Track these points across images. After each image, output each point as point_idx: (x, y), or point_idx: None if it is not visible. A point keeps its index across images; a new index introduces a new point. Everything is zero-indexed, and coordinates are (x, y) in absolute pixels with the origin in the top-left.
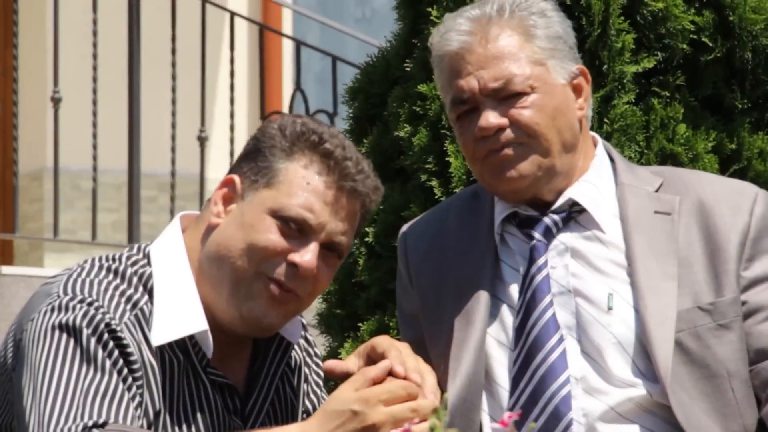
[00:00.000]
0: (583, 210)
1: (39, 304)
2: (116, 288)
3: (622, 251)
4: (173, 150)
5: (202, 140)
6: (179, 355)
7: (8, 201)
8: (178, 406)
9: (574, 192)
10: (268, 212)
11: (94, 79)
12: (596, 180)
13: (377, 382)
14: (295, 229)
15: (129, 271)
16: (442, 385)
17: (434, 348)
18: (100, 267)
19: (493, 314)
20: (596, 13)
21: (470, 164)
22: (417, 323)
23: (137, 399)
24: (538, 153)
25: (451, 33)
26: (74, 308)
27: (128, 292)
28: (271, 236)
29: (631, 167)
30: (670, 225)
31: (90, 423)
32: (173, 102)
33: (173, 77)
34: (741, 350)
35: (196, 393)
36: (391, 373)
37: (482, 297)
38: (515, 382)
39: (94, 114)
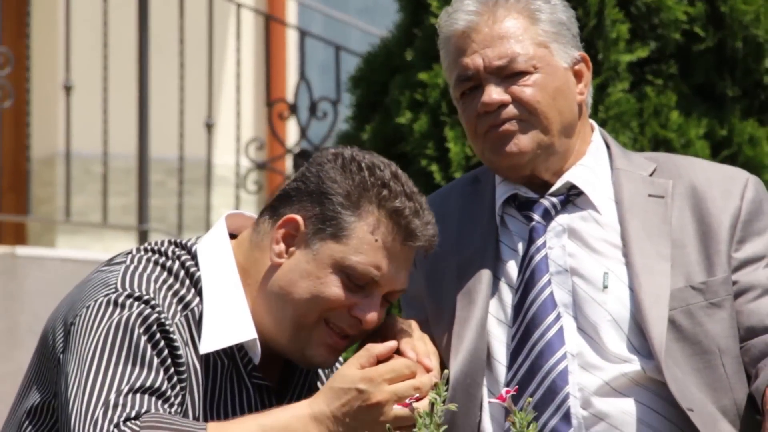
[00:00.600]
0: (580, 193)
1: (96, 292)
2: (170, 287)
3: (617, 232)
4: (181, 136)
5: (210, 126)
6: (224, 359)
7: (22, 185)
8: (218, 409)
9: (571, 175)
10: (335, 266)
11: (105, 68)
12: (593, 164)
13: (381, 359)
14: (360, 283)
15: (181, 270)
16: (445, 363)
17: (437, 327)
18: (155, 263)
19: (493, 293)
20: (592, 4)
21: (472, 141)
22: (420, 304)
23: (180, 398)
24: (538, 129)
25: (459, 13)
26: (131, 306)
27: (181, 292)
28: (336, 290)
29: (626, 153)
30: (664, 208)
31: (132, 414)
32: (181, 89)
33: (181, 66)
34: (732, 328)
35: (238, 396)
36: (397, 351)
37: (484, 277)
38: (513, 357)
39: (105, 101)
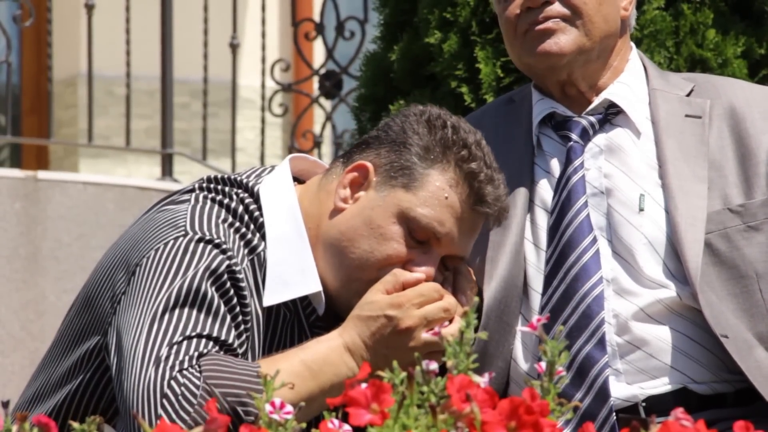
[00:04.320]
0: (618, 111)
1: (163, 233)
2: (237, 230)
3: (654, 153)
4: (205, 57)
5: (234, 47)
6: (286, 309)
7: (43, 107)
8: None
9: (610, 92)
10: (399, 216)
11: None
12: (631, 82)
13: (408, 286)
14: (421, 238)
15: (245, 214)
16: (480, 290)
17: (472, 254)
18: (220, 204)
19: (529, 217)
20: None
21: (509, 45)
22: None
23: (243, 347)
24: (581, 31)
25: None
26: (202, 251)
27: (248, 236)
28: (396, 245)
29: (662, 74)
30: (701, 128)
31: (195, 356)
32: (205, 8)
33: None
34: None
35: (298, 345)
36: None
37: (519, 200)
38: (548, 281)
39: (128, 20)
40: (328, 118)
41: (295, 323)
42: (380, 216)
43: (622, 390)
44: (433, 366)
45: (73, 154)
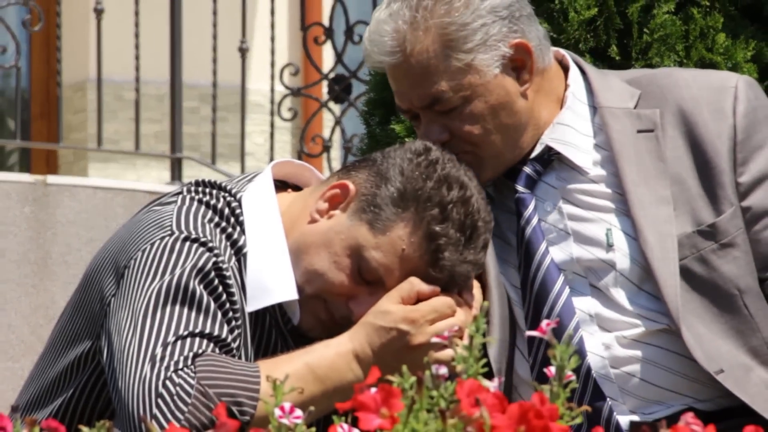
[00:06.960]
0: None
1: (150, 234)
2: (223, 230)
3: (611, 183)
4: (214, 61)
5: (243, 51)
6: (268, 313)
7: (53, 111)
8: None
9: (547, 138)
10: (353, 250)
11: None
12: (571, 117)
13: (422, 298)
14: (368, 279)
15: (231, 217)
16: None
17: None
18: (207, 204)
19: (500, 255)
20: None
21: None
22: None
23: (237, 342)
24: (489, 156)
25: (375, 54)
26: (188, 250)
27: (234, 236)
28: (343, 278)
29: (605, 80)
30: (655, 143)
31: (190, 356)
32: (214, 13)
33: None
34: (748, 264)
35: (281, 351)
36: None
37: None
38: (531, 340)
39: (137, 25)
40: (338, 122)
41: (278, 328)
42: (339, 244)
43: (628, 420)
44: (443, 371)
45: (82, 159)
